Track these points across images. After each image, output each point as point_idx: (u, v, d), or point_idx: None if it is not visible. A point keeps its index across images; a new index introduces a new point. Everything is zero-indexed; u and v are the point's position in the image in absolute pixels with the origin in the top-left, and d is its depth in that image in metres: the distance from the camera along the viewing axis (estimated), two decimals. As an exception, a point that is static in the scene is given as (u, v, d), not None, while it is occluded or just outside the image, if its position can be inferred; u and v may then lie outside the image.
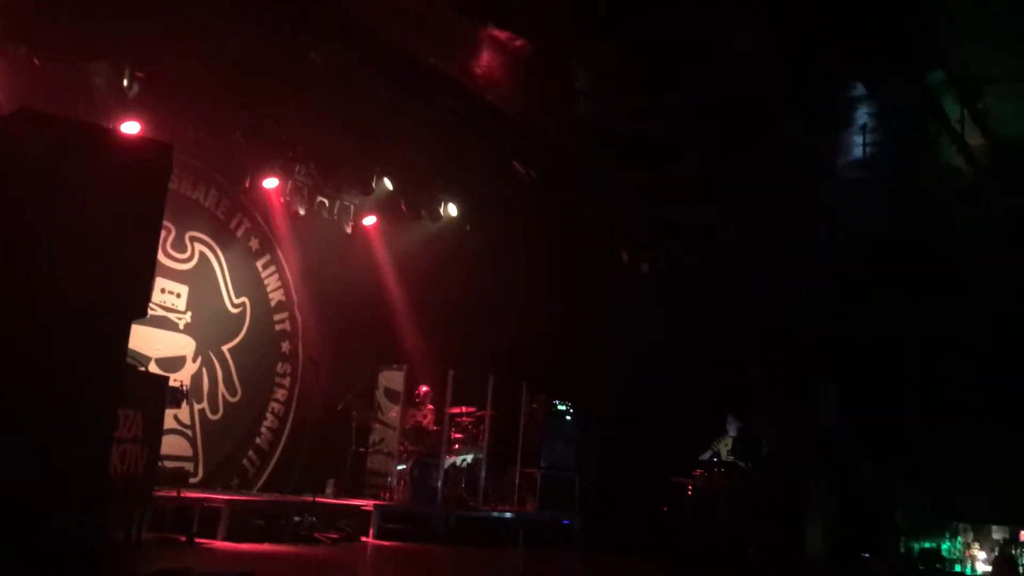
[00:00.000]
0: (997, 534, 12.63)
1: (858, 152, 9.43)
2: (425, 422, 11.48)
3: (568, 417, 12.77)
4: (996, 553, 12.21)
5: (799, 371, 12.54)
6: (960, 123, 8.69)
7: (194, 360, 10.49)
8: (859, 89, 8.26)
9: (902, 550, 12.59)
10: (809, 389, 12.53)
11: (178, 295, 10.33)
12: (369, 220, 12.40)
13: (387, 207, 12.15)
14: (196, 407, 10.44)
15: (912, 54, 7.79)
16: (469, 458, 11.68)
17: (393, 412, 11.52)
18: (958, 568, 12.36)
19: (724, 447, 12.03)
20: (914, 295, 11.83)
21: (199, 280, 10.63)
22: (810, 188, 10.77)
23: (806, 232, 11.55)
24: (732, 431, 12.03)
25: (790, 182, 10.48)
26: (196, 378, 10.47)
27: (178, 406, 9.10)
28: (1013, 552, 12.25)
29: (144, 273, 4.40)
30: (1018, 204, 10.03)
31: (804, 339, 12.45)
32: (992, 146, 9.23)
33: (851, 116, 9.03)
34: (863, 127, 9.11)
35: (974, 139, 9.07)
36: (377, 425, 11.65)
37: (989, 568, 12.23)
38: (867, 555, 11.44)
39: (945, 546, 12.81)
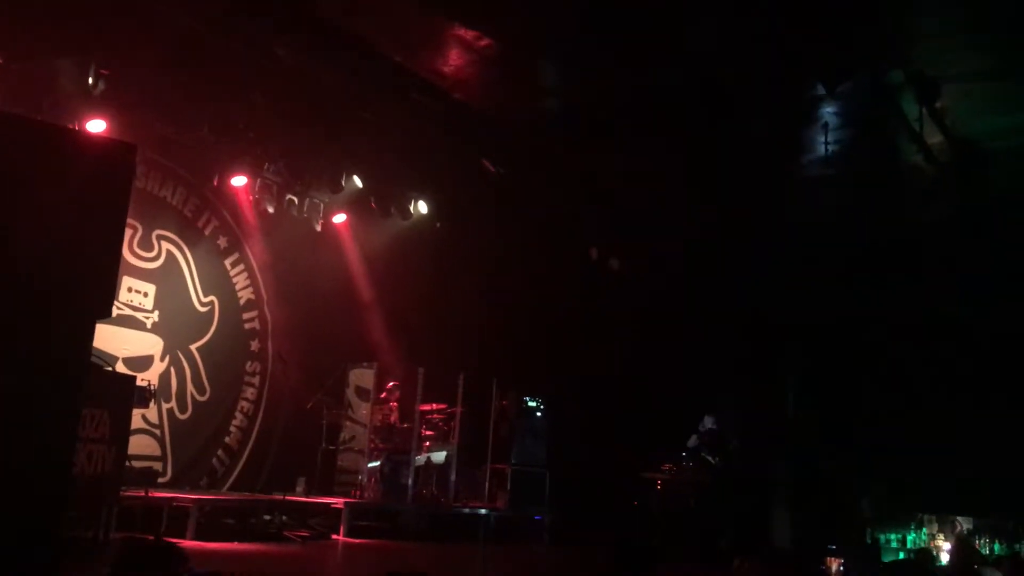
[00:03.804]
0: (961, 525, 12.85)
1: (820, 150, 9.58)
2: (392, 418, 11.51)
3: (538, 414, 12.86)
4: (955, 540, 12.43)
5: (763, 364, 12.70)
6: (919, 122, 8.84)
7: (162, 359, 10.44)
8: (819, 89, 8.40)
9: (868, 541, 12.78)
10: (773, 382, 12.70)
11: (145, 294, 10.27)
12: (339, 218, 12.38)
13: (357, 205, 12.14)
14: (164, 406, 10.39)
15: (871, 54, 7.94)
16: (442, 455, 11.72)
17: (363, 410, 11.55)
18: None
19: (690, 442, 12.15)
20: (876, 286, 12.03)
21: (166, 279, 10.57)
22: (773, 181, 10.93)
23: (771, 225, 11.70)
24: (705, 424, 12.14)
25: (754, 175, 10.62)
26: (164, 377, 10.42)
27: (146, 405, 9.09)
28: (974, 541, 12.47)
29: (108, 272, 4.40)
30: (974, 199, 10.24)
31: (767, 331, 12.60)
32: (950, 144, 9.41)
33: (813, 114, 9.17)
34: (824, 125, 9.26)
35: (933, 137, 9.24)
36: (347, 423, 11.67)
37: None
38: (833, 546, 11.60)
39: (910, 537, 13.02)
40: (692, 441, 12.05)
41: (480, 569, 7.93)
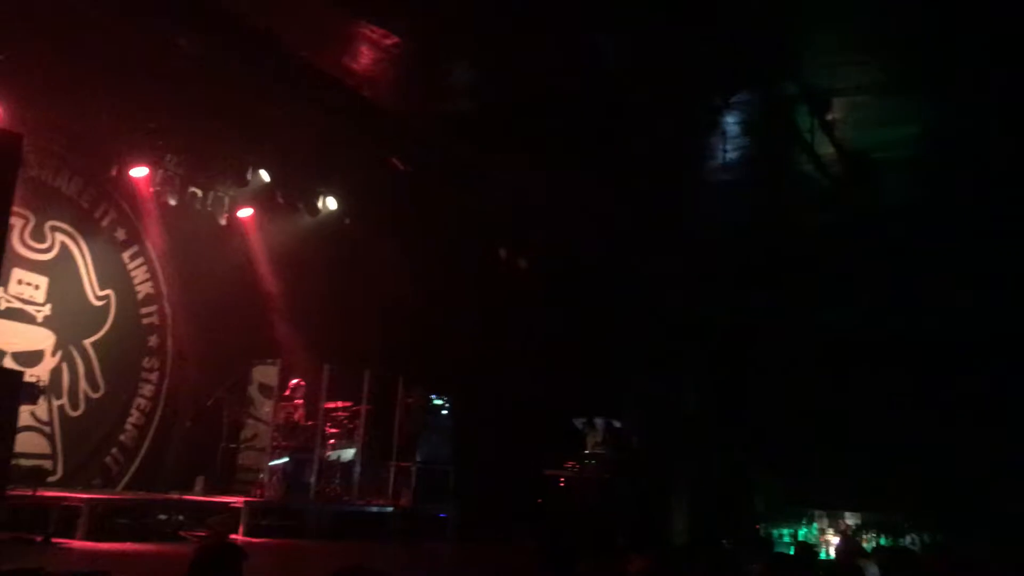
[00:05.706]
0: (849, 520, 13.46)
1: (720, 156, 9.92)
2: (296, 416, 11.40)
3: (444, 411, 12.92)
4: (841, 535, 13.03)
5: (663, 364, 13.04)
6: (811, 133, 9.24)
7: (53, 354, 10.10)
8: (716, 99, 8.69)
9: (762, 535, 13.27)
10: (673, 382, 13.05)
11: (36, 287, 9.93)
12: (245, 212, 12.16)
13: (263, 199, 11.96)
14: (55, 403, 10.05)
15: (764, 67, 8.25)
16: (351, 453, 11.65)
17: (267, 407, 11.40)
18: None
19: (592, 440, 12.41)
20: (772, 290, 12.50)
21: (60, 271, 10.23)
22: (676, 185, 11.25)
23: (674, 228, 12.03)
24: (600, 426, 12.41)
25: (658, 179, 10.91)
26: (55, 373, 10.09)
27: (34, 402, 8.82)
28: (861, 536, 13.08)
29: (-10, 264, 4.29)
30: (862, 208, 10.75)
31: (669, 333, 12.95)
32: (840, 155, 9.85)
33: (713, 122, 9.47)
34: (723, 134, 9.58)
35: (824, 148, 9.66)
36: (250, 421, 11.51)
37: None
38: (726, 540, 12.00)
39: (802, 532, 13.57)
40: (579, 424, 12.33)
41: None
